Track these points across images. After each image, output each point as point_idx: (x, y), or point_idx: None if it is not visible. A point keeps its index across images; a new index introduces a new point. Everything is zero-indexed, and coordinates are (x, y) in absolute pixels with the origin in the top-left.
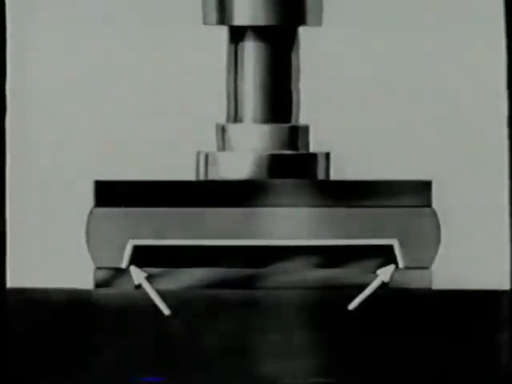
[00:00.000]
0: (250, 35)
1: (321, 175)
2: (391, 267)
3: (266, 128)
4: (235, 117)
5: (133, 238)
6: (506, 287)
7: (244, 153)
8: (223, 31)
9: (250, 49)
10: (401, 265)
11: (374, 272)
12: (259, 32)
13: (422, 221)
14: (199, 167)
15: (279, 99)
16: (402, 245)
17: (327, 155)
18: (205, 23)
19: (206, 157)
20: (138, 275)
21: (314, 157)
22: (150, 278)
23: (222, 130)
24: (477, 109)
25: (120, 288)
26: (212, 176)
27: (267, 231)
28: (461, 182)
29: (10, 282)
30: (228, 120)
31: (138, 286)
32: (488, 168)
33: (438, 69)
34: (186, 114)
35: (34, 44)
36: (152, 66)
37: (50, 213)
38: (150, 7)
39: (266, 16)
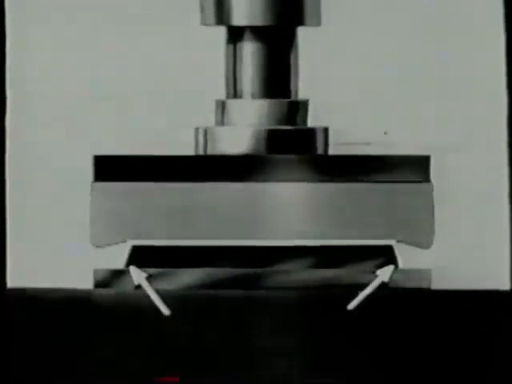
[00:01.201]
0: (248, 35)
1: (319, 150)
2: (391, 267)
3: (264, 103)
4: (234, 92)
5: (132, 214)
6: (506, 287)
7: (243, 128)
8: (221, 31)
9: (249, 49)
10: (400, 265)
11: (374, 272)
12: (257, 32)
13: (420, 195)
14: (198, 143)
15: (278, 74)
16: (400, 221)
17: (325, 130)
18: (203, 23)
19: (205, 132)
20: (137, 275)
21: (312, 132)
22: (149, 279)
23: (222, 106)
24: (477, 108)
25: (120, 288)
26: (211, 151)
27: (265, 206)
28: (459, 182)
29: (10, 282)
30: (227, 96)
31: (138, 287)
32: (487, 169)
33: (438, 68)
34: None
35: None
36: (151, 66)
37: (50, 213)
38: (150, 7)
39: (264, 16)
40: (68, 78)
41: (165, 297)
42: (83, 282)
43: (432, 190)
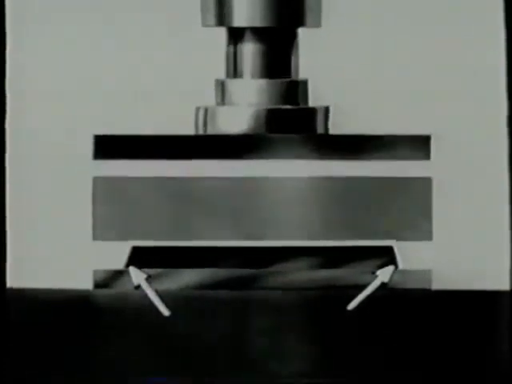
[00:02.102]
0: (248, 37)
1: (320, 129)
2: (391, 268)
3: (265, 82)
4: (234, 72)
5: (132, 192)
6: (506, 287)
7: (243, 107)
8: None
9: (249, 50)
10: (400, 265)
11: (374, 272)
12: (258, 33)
13: (419, 189)
14: (198, 122)
15: (279, 54)
16: (399, 213)
17: (326, 109)
18: (204, 25)
19: (205, 111)
20: (137, 276)
21: (312, 111)
22: (149, 279)
23: (222, 85)
24: (477, 107)
25: (119, 289)
26: (211, 130)
27: (266, 185)
28: (459, 181)
29: (10, 282)
30: (227, 75)
31: (138, 287)
32: (487, 169)
33: (438, 68)
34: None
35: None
36: (151, 65)
37: (50, 213)
38: (150, 7)
39: (264, 17)
40: (68, 78)
41: (164, 297)
42: (83, 282)
43: (431, 184)
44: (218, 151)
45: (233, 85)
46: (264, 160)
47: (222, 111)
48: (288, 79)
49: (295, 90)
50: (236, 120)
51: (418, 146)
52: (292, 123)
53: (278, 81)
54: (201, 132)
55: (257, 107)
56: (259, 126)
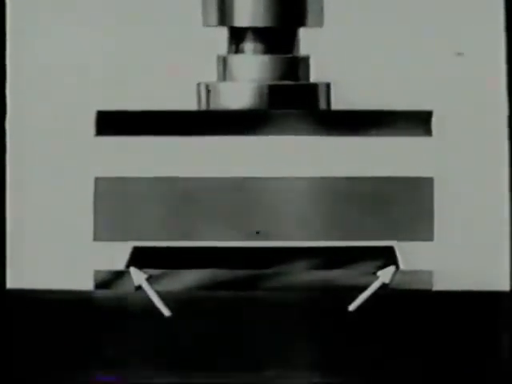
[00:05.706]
0: (250, 36)
1: (322, 105)
2: (392, 268)
3: (266, 58)
4: (236, 48)
5: (133, 193)
6: (506, 288)
7: (245, 83)
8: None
9: (250, 49)
10: (401, 266)
11: (375, 273)
12: (259, 33)
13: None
14: (200, 97)
15: (280, 30)
16: (400, 202)
17: (328, 85)
18: (205, 24)
19: (207, 87)
20: (137, 276)
21: (314, 87)
22: (150, 280)
23: (223, 61)
24: (477, 107)
25: (120, 289)
26: (213, 106)
27: (266, 185)
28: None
29: (10, 283)
30: (229, 51)
31: (138, 288)
32: (488, 170)
33: (438, 68)
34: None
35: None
36: (151, 66)
37: (51, 213)
38: (150, 7)
39: (266, 17)
40: (68, 77)
41: (165, 298)
42: (84, 283)
43: (432, 184)
44: (220, 127)
45: (234, 60)
46: (265, 136)
47: (224, 87)
48: (290, 55)
49: (297, 66)
50: (238, 96)
51: (420, 122)
52: (294, 99)
53: (280, 56)
54: (203, 108)
55: (258, 83)
56: (261, 102)
